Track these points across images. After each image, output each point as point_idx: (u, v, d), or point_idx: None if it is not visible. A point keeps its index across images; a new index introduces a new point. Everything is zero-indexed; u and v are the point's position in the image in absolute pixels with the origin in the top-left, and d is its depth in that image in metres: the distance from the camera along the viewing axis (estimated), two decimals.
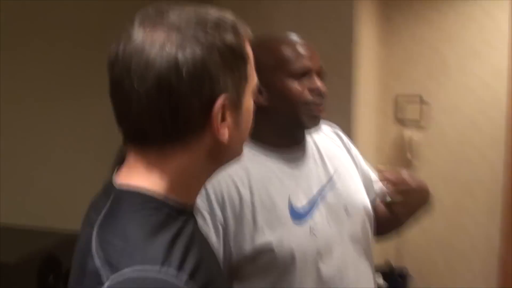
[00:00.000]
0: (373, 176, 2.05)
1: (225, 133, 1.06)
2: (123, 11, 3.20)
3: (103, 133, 3.06)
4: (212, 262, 1.14)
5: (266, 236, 1.64)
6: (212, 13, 1.06)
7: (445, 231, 4.69)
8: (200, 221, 1.55)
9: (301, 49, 1.75)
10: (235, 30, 1.06)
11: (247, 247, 1.63)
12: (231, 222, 1.63)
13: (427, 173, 4.67)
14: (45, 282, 1.99)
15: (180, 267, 0.94)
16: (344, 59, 3.89)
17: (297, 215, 1.70)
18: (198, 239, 1.08)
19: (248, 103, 1.13)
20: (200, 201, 1.60)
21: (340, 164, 1.90)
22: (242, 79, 1.09)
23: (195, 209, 1.16)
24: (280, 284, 1.66)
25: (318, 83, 1.75)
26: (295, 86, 1.72)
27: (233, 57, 1.05)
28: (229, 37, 1.04)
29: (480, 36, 4.49)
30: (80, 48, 2.88)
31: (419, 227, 4.70)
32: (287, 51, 1.73)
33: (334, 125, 2.05)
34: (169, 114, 1.00)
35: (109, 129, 3.02)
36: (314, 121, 1.77)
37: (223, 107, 1.04)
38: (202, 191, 1.51)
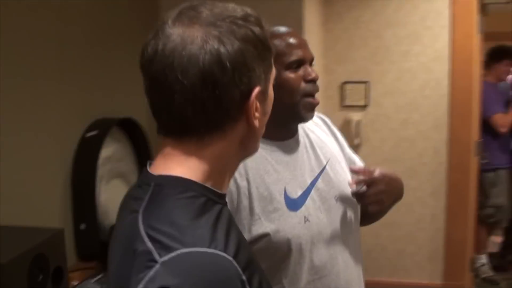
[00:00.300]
0: (357, 161, 2.08)
1: (257, 121, 1.14)
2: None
3: (68, 131, 3.03)
4: (248, 246, 1.20)
5: (263, 225, 1.69)
6: (238, 9, 1.13)
7: (392, 212, 4.75)
8: None
9: (293, 40, 1.78)
10: (259, 24, 1.14)
11: (245, 235, 1.66)
12: None
13: (373, 156, 4.79)
14: (35, 282, 1.97)
15: (225, 248, 1.01)
16: None
17: (293, 205, 1.75)
18: (234, 224, 1.16)
19: (271, 92, 1.21)
20: None
21: (330, 152, 1.94)
22: (269, 69, 1.17)
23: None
24: (276, 270, 1.71)
25: (312, 72, 1.78)
26: (292, 77, 1.75)
27: (262, 48, 1.13)
28: (257, 30, 1.12)
29: (422, 22, 4.64)
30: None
31: None
32: (280, 44, 1.76)
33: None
34: (212, 105, 1.06)
35: (72, 128, 3.00)
36: (310, 113, 1.81)
37: (257, 96, 1.11)
38: None
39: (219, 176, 1.15)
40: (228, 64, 1.05)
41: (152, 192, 1.10)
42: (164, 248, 0.98)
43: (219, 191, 1.15)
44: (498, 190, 5.40)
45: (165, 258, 0.97)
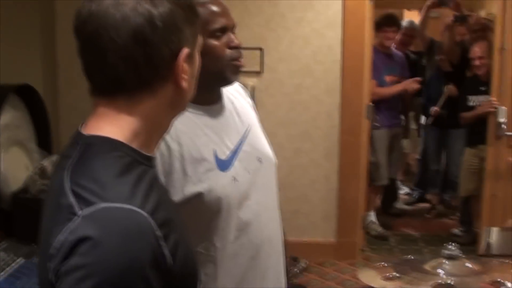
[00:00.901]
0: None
1: (185, 82, 1.23)
2: None
3: None
4: (170, 207, 1.30)
5: (196, 186, 1.79)
6: None
7: (287, 174, 5.01)
8: None
9: (215, 8, 1.84)
10: None
11: (177, 196, 1.77)
12: (161, 175, 1.74)
13: (268, 121, 4.92)
14: None
15: (142, 205, 1.10)
16: None
17: (222, 165, 1.86)
18: (159, 185, 1.26)
19: (197, 57, 1.32)
20: None
21: (250, 117, 2.06)
22: (196, 34, 1.28)
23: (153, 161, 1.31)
24: (206, 228, 1.83)
25: (235, 39, 1.86)
26: (216, 44, 1.82)
27: (191, 13, 1.24)
28: None
29: None
30: None
31: None
32: (203, 12, 1.77)
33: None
34: (143, 62, 1.15)
35: None
36: (236, 75, 1.91)
37: (185, 58, 1.22)
38: None
39: (147, 136, 1.23)
40: (158, 23, 1.14)
41: (81, 151, 1.17)
42: (85, 203, 1.07)
43: (145, 153, 1.23)
44: (375, 148, 5.72)
45: (85, 211, 1.06)
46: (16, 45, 3.39)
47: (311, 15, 4.84)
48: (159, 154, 1.75)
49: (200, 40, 1.31)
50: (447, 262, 2.65)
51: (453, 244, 2.69)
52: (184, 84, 1.23)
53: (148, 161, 1.24)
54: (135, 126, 1.20)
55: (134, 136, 1.20)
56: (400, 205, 6.76)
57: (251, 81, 4.94)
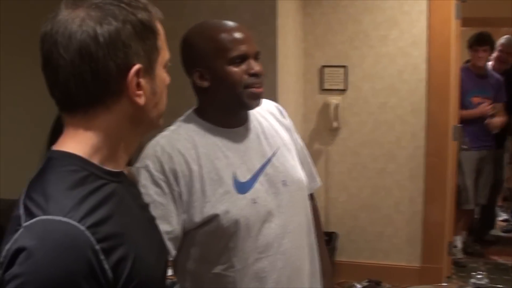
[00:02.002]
0: (305, 148, 2.32)
1: (141, 98, 1.29)
2: None
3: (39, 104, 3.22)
4: (129, 222, 1.31)
5: (214, 207, 1.89)
6: None
7: (371, 195, 5.05)
8: (158, 192, 1.85)
9: (238, 35, 1.95)
10: (146, 9, 1.31)
11: (197, 216, 1.89)
12: (184, 194, 1.88)
13: (352, 140, 5.02)
14: None
15: (82, 218, 1.15)
16: (268, 31, 4.08)
17: (241, 188, 1.95)
18: (117, 199, 1.29)
19: (162, 74, 1.37)
20: (159, 174, 1.87)
21: (280, 140, 2.14)
22: (154, 50, 1.33)
23: (122, 175, 1.37)
24: (226, 250, 1.92)
25: (256, 66, 1.96)
26: (234, 71, 1.93)
27: (144, 30, 1.29)
28: (141, 14, 1.29)
29: (400, 7, 4.88)
30: None
31: (346, 193, 5.05)
32: (225, 39, 1.93)
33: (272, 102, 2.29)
34: (91, 77, 1.22)
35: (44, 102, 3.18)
36: (255, 101, 2.00)
37: (138, 74, 1.27)
38: (158, 167, 1.85)
39: (110, 152, 1.30)
40: (102, 39, 1.21)
41: (42, 165, 1.26)
42: (30, 215, 1.15)
43: (106, 168, 1.29)
44: (462, 171, 5.59)
45: (27, 223, 1.14)
46: None
47: (395, 33, 4.88)
48: (182, 175, 1.88)
49: (165, 55, 1.36)
50: None
51: (482, 273, 2.64)
52: (140, 100, 1.28)
53: (110, 176, 1.29)
54: (94, 141, 1.27)
55: (95, 151, 1.27)
56: (495, 232, 6.63)
57: (335, 99, 5.02)
